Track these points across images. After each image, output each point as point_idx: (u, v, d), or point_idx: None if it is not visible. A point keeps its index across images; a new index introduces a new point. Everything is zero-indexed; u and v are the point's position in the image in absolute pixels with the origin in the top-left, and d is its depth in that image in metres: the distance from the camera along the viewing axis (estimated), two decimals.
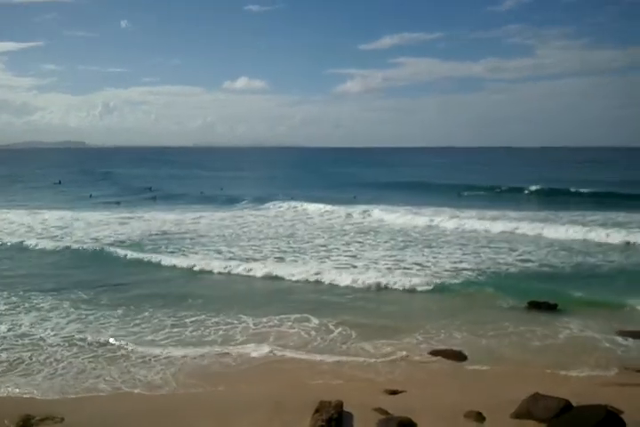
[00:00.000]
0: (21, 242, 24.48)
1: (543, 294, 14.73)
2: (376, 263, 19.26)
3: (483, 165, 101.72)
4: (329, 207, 35.61)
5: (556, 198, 42.08)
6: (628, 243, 22.47)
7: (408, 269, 18.41)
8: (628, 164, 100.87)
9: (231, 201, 41.80)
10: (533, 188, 47.00)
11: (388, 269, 18.44)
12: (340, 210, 34.53)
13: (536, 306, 14.17)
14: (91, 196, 47.09)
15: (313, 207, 36.42)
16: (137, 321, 13.59)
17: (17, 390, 9.75)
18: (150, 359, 11.19)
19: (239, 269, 18.80)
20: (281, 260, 20.28)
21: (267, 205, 39.02)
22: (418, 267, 18.67)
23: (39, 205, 38.77)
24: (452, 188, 49.67)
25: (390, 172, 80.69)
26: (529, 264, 19.09)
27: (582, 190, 43.87)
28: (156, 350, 11.63)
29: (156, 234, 26.21)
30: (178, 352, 11.56)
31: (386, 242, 23.74)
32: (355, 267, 18.77)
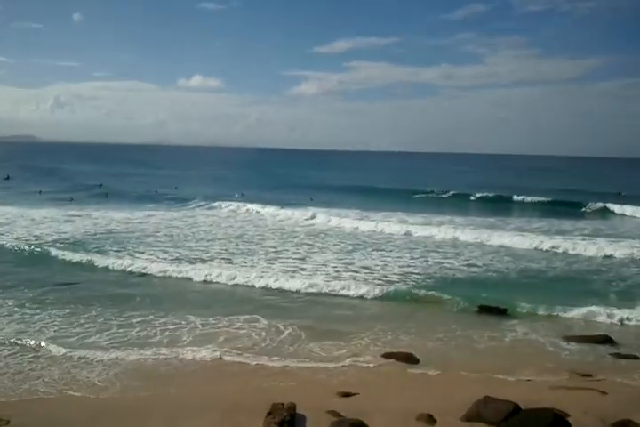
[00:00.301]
0: None
1: (491, 299, 15.02)
2: (325, 266, 19.25)
3: (434, 171, 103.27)
4: (281, 209, 35.41)
5: (501, 205, 43.05)
6: (564, 251, 22.81)
7: (356, 272, 18.48)
8: (575, 172, 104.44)
9: (184, 200, 41.22)
10: (479, 194, 48.00)
11: (337, 272, 18.47)
12: (292, 212, 34.34)
13: (487, 310, 14.44)
14: (40, 192, 45.55)
15: (265, 209, 36.13)
16: (82, 321, 13.24)
17: None
18: (93, 360, 10.91)
19: (190, 272, 18.29)
20: (228, 261, 20.03)
21: (218, 205, 38.57)
22: (366, 271, 18.75)
23: None
24: (401, 192, 50.22)
25: (343, 175, 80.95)
26: (475, 269, 19.44)
27: (528, 198, 45.14)
28: (99, 352, 11.33)
29: (102, 233, 25.55)
30: (122, 353, 11.28)
31: (335, 245, 23.77)
32: (303, 270, 18.68)
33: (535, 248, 23.46)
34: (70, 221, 29.00)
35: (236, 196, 43.95)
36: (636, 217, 36.38)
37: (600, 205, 39.96)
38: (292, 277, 17.54)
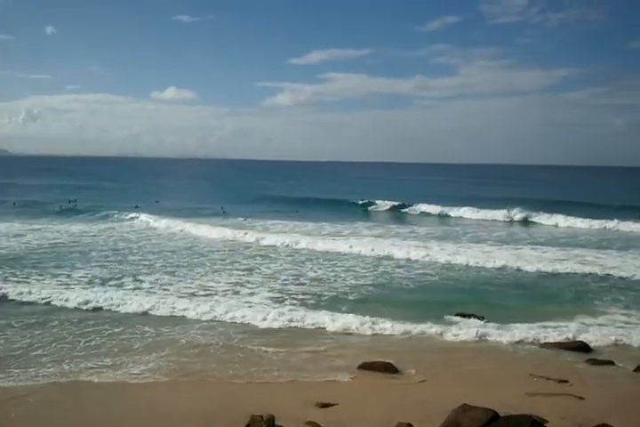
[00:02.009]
0: None
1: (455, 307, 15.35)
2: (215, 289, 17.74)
3: (392, 181, 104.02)
4: (174, 222, 33.90)
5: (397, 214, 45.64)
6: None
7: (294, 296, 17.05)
8: (536, 180, 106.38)
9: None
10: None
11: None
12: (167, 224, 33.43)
13: (463, 317, 14.56)
14: (14, 204, 45.29)
15: (162, 221, 34.18)
16: None
17: None
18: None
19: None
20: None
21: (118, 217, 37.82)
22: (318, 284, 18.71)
23: None
24: (339, 203, 50.65)
25: (301, 185, 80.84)
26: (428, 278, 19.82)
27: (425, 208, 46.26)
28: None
29: None
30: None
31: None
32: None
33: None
34: None
35: (150, 208, 42.64)
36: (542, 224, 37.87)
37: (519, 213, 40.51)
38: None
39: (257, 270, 20.63)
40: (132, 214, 37.18)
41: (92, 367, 11.09)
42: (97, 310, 15.27)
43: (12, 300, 16.12)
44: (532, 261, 22.38)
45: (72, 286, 17.54)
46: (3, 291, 16.59)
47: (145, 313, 14.99)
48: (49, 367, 10.99)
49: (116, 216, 37.82)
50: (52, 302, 15.73)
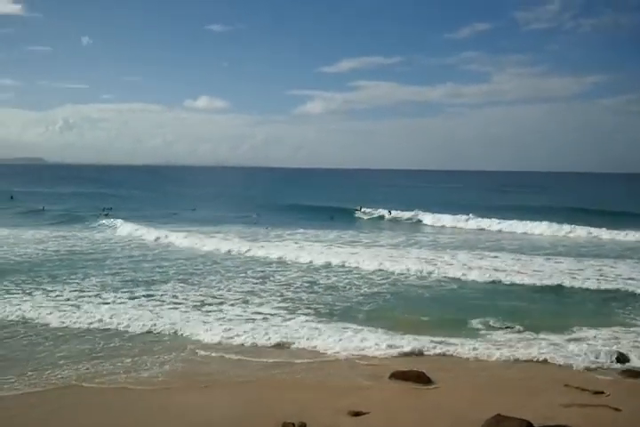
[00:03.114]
0: None
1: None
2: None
3: (420, 189, 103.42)
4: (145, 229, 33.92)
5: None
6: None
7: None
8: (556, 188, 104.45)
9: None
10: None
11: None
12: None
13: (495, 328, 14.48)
14: (43, 208, 46.01)
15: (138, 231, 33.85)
16: None
17: None
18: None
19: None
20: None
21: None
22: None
23: None
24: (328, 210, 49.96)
25: (331, 193, 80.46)
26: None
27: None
28: None
29: None
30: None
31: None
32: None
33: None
34: None
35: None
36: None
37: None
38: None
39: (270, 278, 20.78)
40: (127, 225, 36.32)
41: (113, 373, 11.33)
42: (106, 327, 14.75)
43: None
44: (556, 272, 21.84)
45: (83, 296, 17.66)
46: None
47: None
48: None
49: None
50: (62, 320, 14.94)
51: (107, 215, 44.06)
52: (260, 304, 16.87)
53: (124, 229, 35.01)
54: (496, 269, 21.85)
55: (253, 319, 15.22)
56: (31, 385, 10.64)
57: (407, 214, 46.01)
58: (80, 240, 30.35)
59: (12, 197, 60.26)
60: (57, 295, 17.59)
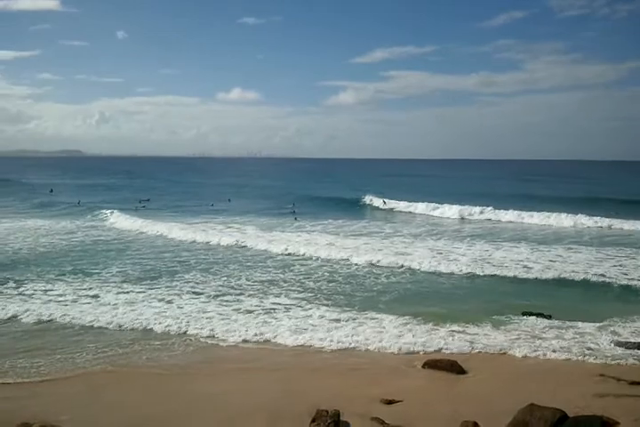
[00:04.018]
0: None
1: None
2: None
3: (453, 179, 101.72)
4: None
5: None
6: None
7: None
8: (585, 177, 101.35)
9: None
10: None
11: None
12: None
13: (531, 315, 14.44)
14: (79, 202, 46.84)
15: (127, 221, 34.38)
16: None
17: None
18: None
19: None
20: None
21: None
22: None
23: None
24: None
25: (343, 183, 79.68)
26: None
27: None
28: None
29: None
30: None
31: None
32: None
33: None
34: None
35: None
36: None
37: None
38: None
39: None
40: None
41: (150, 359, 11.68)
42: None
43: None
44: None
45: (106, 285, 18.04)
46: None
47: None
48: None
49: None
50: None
51: (144, 207, 44.58)
52: (287, 294, 17.08)
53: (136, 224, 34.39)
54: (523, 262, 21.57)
55: (274, 309, 15.39)
56: (62, 371, 11.08)
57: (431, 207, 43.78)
58: (107, 231, 31.07)
59: (51, 191, 61.53)
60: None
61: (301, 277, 19.39)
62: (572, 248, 24.64)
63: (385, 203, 47.23)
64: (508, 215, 37.37)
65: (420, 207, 43.08)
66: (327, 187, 69.88)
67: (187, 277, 19.26)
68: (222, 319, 14.33)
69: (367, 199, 49.37)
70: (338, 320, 14.26)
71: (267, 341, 12.86)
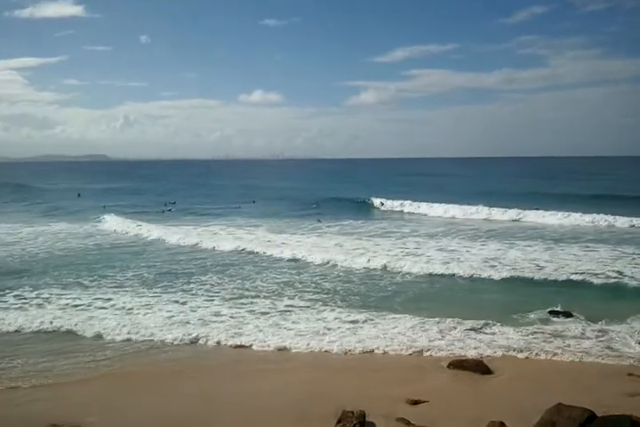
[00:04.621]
0: None
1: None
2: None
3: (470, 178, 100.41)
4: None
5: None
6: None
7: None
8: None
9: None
10: None
11: None
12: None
13: (555, 314, 14.35)
14: (104, 207, 47.42)
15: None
16: None
17: None
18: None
19: None
20: None
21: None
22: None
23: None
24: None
25: (364, 184, 77.86)
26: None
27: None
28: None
29: None
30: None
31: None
32: None
33: None
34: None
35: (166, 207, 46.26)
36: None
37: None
38: None
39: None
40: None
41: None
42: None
43: None
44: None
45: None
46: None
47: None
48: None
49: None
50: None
51: (170, 210, 44.86)
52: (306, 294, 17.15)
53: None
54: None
55: (290, 311, 15.44)
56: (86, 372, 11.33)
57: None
58: (124, 235, 31.44)
59: (79, 195, 62.49)
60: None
61: (317, 278, 19.45)
62: (588, 246, 24.27)
63: (382, 204, 47.22)
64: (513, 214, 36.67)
65: (439, 209, 42.00)
66: (349, 188, 69.54)
67: (203, 278, 19.50)
68: (240, 322, 14.42)
69: (377, 201, 48.82)
70: (356, 321, 14.24)
71: (285, 343, 12.81)
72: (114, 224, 35.07)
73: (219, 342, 13.01)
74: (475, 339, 12.56)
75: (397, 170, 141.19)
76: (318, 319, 14.57)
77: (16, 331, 14.14)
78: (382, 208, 46.10)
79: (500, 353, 11.72)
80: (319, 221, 36.08)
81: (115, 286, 18.51)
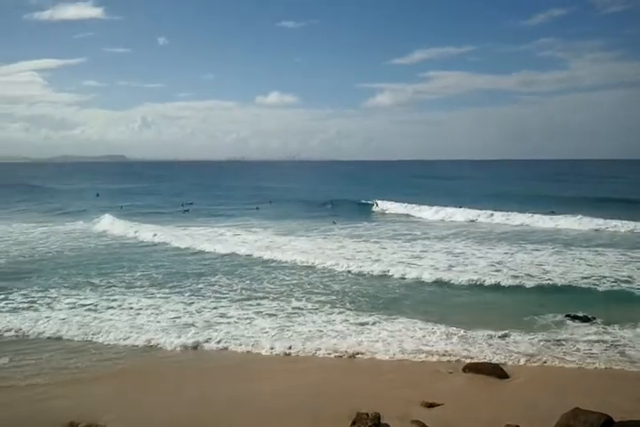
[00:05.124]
0: None
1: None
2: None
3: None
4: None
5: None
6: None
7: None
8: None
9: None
10: None
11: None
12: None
13: (572, 318, 14.22)
14: (122, 207, 47.78)
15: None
16: None
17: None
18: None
19: None
20: None
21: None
22: None
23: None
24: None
25: (378, 187, 77.66)
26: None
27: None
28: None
29: None
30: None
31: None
32: None
33: None
34: None
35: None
36: None
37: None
38: None
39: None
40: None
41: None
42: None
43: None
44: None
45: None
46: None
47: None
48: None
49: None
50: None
51: (187, 211, 45.01)
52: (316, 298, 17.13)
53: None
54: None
55: (303, 313, 15.46)
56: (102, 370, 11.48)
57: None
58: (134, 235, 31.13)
59: (97, 195, 63.35)
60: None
61: (326, 279, 19.38)
62: (597, 250, 23.93)
63: (377, 205, 47.42)
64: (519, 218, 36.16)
65: (458, 213, 40.44)
66: (365, 190, 69.26)
67: (213, 280, 19.49)
68: (253, 323, 14.44)
69: (387, 204, 48.35)
70: (366, 323, 14.20)
71: (293, 345, 12.74)
72: (124, 226, 34.60)
73: (228, 344, 12.97)
74: (490, 343, 12.47)
75: (413, 172, 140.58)
76: (327, 321, 14.53)
77: (31, 329, 14.14)
78: (392, 211, 45.80)
79: (516, 358, 11.63)
80: (334, 222, 36.12)
81: (124, 287, 18.56)
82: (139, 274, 20.43)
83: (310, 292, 17.64)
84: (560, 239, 27.98)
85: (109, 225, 34.76)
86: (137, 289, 18.21)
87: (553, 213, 37.18)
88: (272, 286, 18.40)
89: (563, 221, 34.21)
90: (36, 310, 15.87)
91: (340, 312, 15.35)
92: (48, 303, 16.48)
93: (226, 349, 12.72)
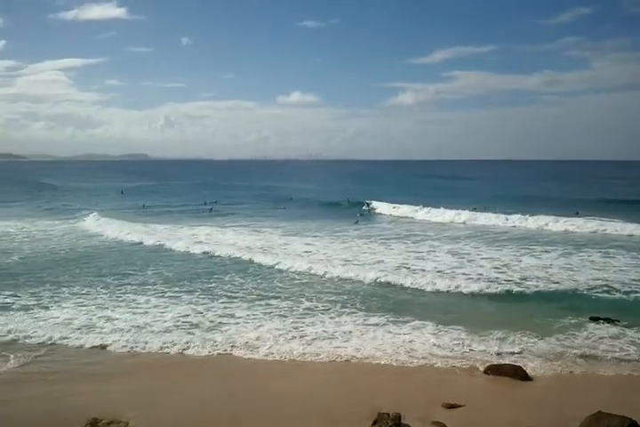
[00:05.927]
0: None
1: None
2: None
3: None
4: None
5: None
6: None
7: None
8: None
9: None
10: None
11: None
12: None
13: (596, 320, 14.04)
14: (144, 206, 48.34)
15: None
16: None
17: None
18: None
19: None
20: None
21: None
22: None
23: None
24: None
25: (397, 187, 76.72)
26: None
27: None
28: None
29: None
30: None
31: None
32: None
33: None
34: None
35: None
36: None
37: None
38: None
39: None
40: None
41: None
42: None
43: None
44: None
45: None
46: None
47: None
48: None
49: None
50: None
51: (211, 210, 45.10)
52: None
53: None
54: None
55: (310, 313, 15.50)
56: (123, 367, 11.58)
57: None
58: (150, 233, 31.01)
59: (122, 192, 64.66)
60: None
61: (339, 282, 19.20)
62: (609, 253, 23.59)
63: (368, 205, 47.45)
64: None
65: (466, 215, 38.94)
66: (394, 191, 68.57)
67: (226, 279, 19.66)
68: (266, 323, 14.46)
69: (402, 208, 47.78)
70: (377, 324, 14.20)
71: (316, 344, 12.79)
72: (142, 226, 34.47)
73: (245, 344, 12.94)
74: (510, 344, 12.38)
75: (433, 172, 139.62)
76: (339, 322, 14.50)
77: (48, 330, 14.01)
78: (406, 215, 45.35)
79: (537, 359, 11.52)
80: (357, 222, 36.13)
81: (137, 285, 18.70)
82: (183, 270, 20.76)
83: (321, 292, 17.70)
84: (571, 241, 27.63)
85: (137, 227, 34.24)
86: (169, 289, 18.31)
87: (577, 213, 36.68)
88: (281, 286, 18.54)
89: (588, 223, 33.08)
90: (48, 309, 15.86)
91: (352, 313, 15.29)
92: (56, 302, 16.54)
93: (243, 349, 12.67)
